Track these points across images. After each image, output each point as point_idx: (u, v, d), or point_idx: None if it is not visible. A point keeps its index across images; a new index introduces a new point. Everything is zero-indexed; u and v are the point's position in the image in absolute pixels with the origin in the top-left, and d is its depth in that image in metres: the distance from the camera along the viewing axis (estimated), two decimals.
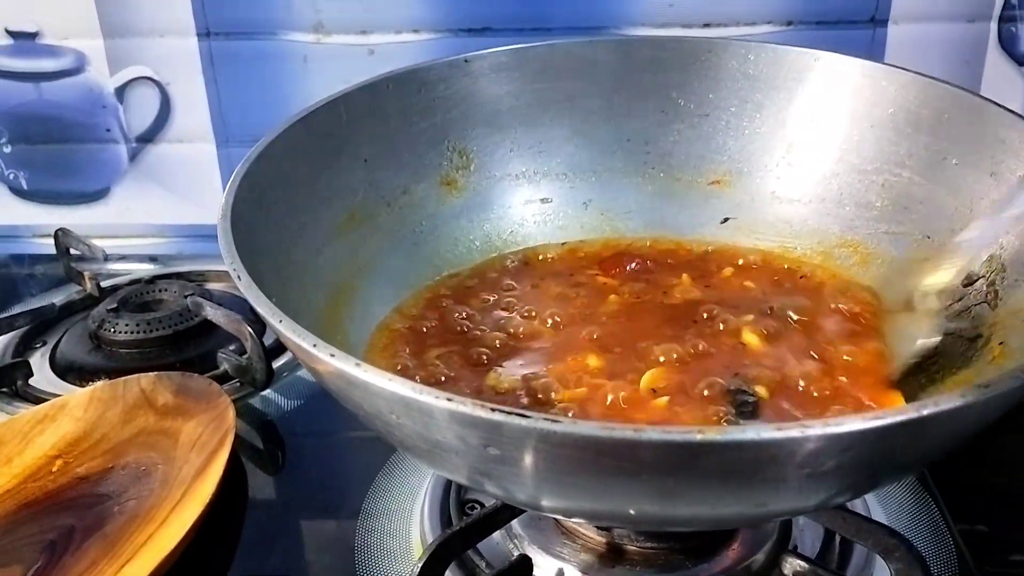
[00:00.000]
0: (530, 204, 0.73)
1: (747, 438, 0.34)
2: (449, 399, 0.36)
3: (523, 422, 0.35)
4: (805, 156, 0.69)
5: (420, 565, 0.49)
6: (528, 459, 0.38)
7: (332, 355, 0.40)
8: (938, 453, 0.43)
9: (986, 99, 0.59)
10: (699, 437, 0.34)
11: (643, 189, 0.73)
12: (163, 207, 1.07)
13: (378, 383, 0.38)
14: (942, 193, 0.61)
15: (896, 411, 0.35)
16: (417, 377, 0.56)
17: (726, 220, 0.71)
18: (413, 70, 0.68)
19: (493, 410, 0.35)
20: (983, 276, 0.56)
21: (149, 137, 1.04)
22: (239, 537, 0.63)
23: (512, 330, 0.61)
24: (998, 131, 0.58)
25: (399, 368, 0.57)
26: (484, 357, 0.58)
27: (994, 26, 0.89)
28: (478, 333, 0.61)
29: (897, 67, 0.64)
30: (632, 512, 0.41)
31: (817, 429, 0.34)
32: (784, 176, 0.70)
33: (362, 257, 0.64)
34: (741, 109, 0.71)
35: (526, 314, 0.63)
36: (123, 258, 1.00)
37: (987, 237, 0.55)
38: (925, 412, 0.35)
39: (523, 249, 0.71)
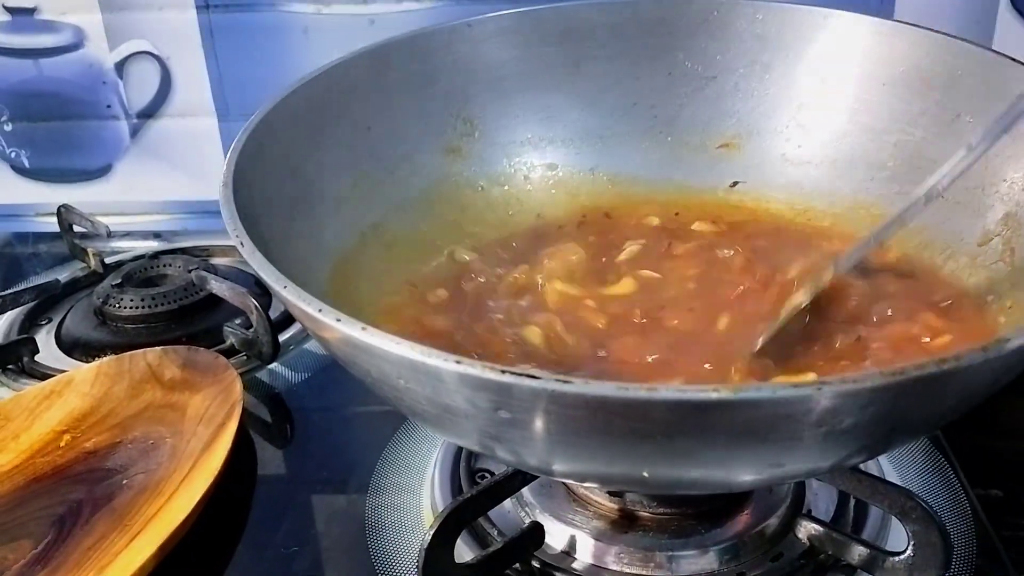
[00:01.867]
0: (536, 170, 0.72)
1: (763, 396, 0.33)
2: (458, 361, 0.35)
3: (534, 383, 0.34)
4: (816, 117, 0.68)
5: (431, 533, 0.49)
6: (539, 422, 0.37)
7: (338, 319, 0.39)
8: (955, 411, 0.42)
9: (1000, 54, 0.58)
10: (714, 395, 0.33)
11: (650, 154, 0.72)
12: (166, 183, 1.06)
13: (385, 346, 0.38)
14: (955, 151, 0.60)
15: (915, 366, 0.34)
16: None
17: (735, 184, 0.70)
18: (414, 36, 0.67)
19: (503, 371, 0.35)
20: (999, 234, 0.55)
21: (150, 112, 1.03)
22: (248, 510, 0.63)
23: (525, 300, 0.60)
24: (1012, 86, 0.56)
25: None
26: (498, 323, 0.57)
27: None
28: (491, 304, 0.60)
29: (908, 24, 0.63)
30: (646, 475, 0.41)
31: (834, 386, 0.33)
32: (794, 137, 0.69)
33: (366, 227, 0.63)
34: (750, 70, 0.70)
35: (539, 282, 0.62)
36: (127, 235, 0.99)
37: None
38: (945, 367, 0.35)
39: (530, 216, 0.70)
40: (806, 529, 0.54)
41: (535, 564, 0.54)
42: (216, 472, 0.59)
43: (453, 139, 0.69)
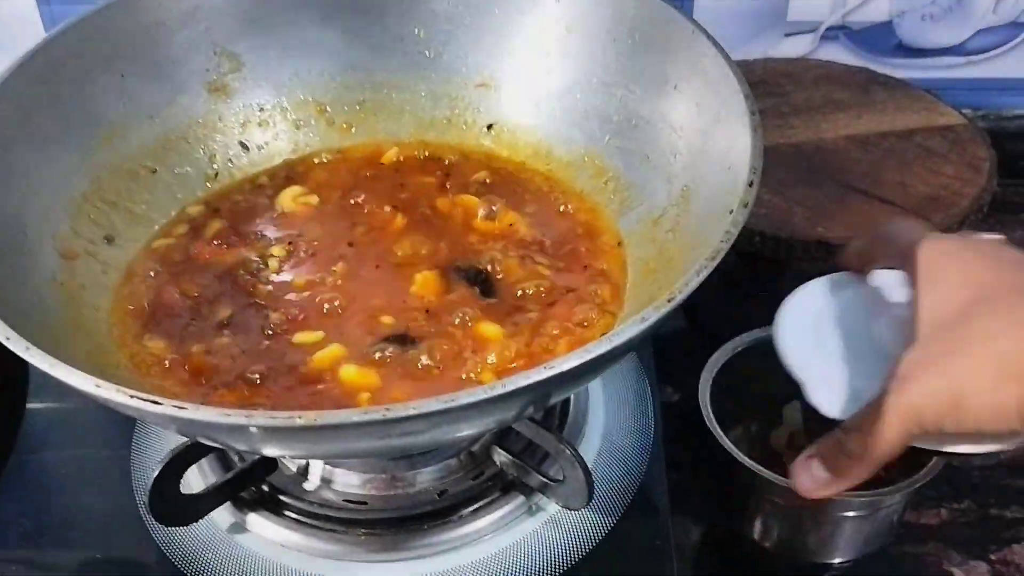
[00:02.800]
0: (305, 105, 0.75)
1: (337, 421, 0.41)
2: (98, 385, 0.42)
3: (154, 408, 0.41)
4: (560, 63, 0.72)
5: (159, 469, 0.57)
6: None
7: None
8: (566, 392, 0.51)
9: (699, 27, 0.62)
10: (299, 422, 0.40)
11: (416, 89, 0.76)
12: None
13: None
14: (662, 115, 0.65)
15: (486, 389, 0.42)
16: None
17: (491, 127, 0.75)
18: None
19: (131, 396, 0.41)
20: (676, 204, 0.62)
21: None
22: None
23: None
24: (705, 64, 0.62)
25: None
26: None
27: None
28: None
29: None
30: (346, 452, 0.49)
31: (397, 411, 0.41)
32: (542, 81, 0.73)
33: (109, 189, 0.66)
34: (504, 12, 0.73)
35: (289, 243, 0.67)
36: None
37: None
38: (541, 376, 0.42)
39: (297, 156, 0.75)
40: (500, 455, 0.63)
41: (265, 488, 0.62)
42: None
43: (218, 77, 0.72)
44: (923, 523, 0.70)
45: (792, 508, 0.61)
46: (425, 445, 0.58)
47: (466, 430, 0.47)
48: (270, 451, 0.54)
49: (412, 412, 0.40)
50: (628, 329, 0.44)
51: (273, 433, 0.42)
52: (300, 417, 0.40)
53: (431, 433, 0.44)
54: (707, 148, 0.60)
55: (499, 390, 0.41)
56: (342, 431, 0.42)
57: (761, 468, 0.59)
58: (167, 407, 0.41)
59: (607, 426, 0.68)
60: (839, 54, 1.01)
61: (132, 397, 0.41)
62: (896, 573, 0.67)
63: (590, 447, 0.66)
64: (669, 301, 0.45)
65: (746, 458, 0.60)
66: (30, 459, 0.68)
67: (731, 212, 0.50)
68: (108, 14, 0.66)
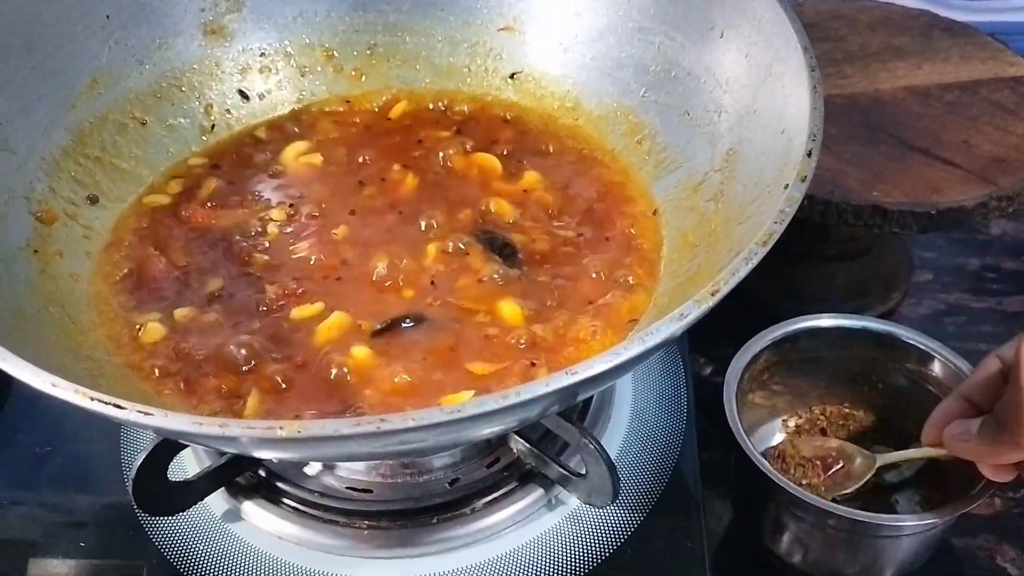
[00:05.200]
0: (310, 50, 0.69)
1: (324, 433, 0.35)
2: (76, 391, 0.37)
3: (117, 413, 0.36)
4: (592, 4, 0.65)
5: (142, 458, 0.52)
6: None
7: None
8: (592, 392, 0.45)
9: None
10: (281, 433, 0.35)
11: (433, 33, 0.69)
12: None
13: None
14: (705, 66, 0.58)
15: (497, 396, 0.36)
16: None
17: (514, 75, 0.68)
18: None
19: (92, 399, 0.36)
20: (720, 170, 0.55)
21: None
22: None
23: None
24: (756, 8, 0.54)
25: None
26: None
27: None
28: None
29: None
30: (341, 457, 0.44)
31: (393, 423, 0.35)
32: (571, 24, 0.66)
33: (94, 141, 0.61)
34: None
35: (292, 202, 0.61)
36: None
37: None
38: (562, 384, 0.36)
39: (302, 107, 0.68)
40: (517, 443, 0.58)
41: (261, 473, 0.58)
42: None
43: (215, 17, 0.66)
44: (974, 513, 0.64)
45: (824, 529, 0.56)
46: (432, 450, 0.53)
47: (478, 435, 0.42)
48: (256, 454, 0.49)
49: (411, 424, 0.35)
50: (664, 327, 0.38)
51: (254, 443, 0.37)
52: (282, 428, 0.35)
53: (436, 440, 0.39)
54: (757, 107, 0.53)
55: (512, 399, 0.36)
56: (332, 441, 0.36)
57: (798, 489, 0.55)
58: (131, 412, 0.36)
59: (635, 405, 0.62)
60: None
61: (93, 400, 0.36)
62: (944, 571, 0.62)
63: (617, 429, 0.61)
64: (713, 294, 0.39)
65: (780, 476, 0.55)
66: (14, 446, 0.63)
67: (786, 187, 0.43)
68: None
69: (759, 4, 0.54)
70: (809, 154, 0.44)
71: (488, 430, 0.40)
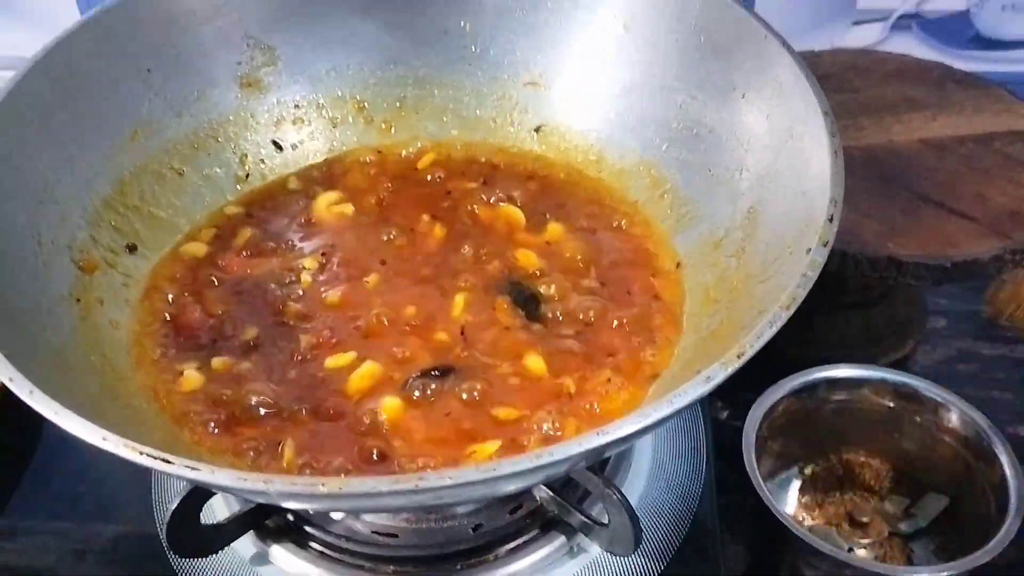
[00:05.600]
0: (342, 102, 0.71)
1: (364, 490, 0.37)
2: (104, 439, 0.38)
3: (166, 467, 0.37)
4: (616, 63, 0.67)
5: (177, 502, 0.53)
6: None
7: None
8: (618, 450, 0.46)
9: (772, 32, 0.57)
10: (322, 490, 0.36)
11: (461, 87, 0.71)
12: (22, 39, 1.03)
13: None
14: (726, 125, 0.60)
15: (527, 457, 0.37)
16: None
17: (539, 128, 0.70)
18: None
19: (141, 453, 0.38)
20: (741, 227, 0.57)
21: None
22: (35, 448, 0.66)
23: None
24: (778, 72, 0.56)
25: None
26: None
27: None
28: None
29: None
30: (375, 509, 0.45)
31: (430, 481, 0.37)
32: (595, 81, 0.68)
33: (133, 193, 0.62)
34: (557, 5, 0.68)
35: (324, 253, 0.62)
36: None
37: None
38: (593, 444, 0.38)
39: (333, 157, 0.70)
40: (540, 492, 0.59)
41: (289, 517, 0.59)
42: None
43: (251, 71, 0.68)
44: (991, 562, 0.64)
45: None
46: (463, 503, 0.54)
47: (509, 490, 0.43)
48: (293, 506, 0.50)
49: (448, 482, 0.36)
50: (691, 390, 0.39)
51: (296, 498, 0.38)
52: (324, 484, 0.36)
53: (469, 495, 0.40)
54: (778, 167, 0.55)
55: (546, 459, 0.37)
56: (371, 497, 0.38)
57: (815, 539, 0.56)
58: (178, 466, 0.37)
59: (656, 453, 0.63)
60: (910, 45, 0.95)
61: (142, 455, 0.38)
62: None
63: (638, 477, 0.62)
64: (739, 357, 0.40)
65: (796, 526, 0.56)
66: (46, 480, 0.64)
67: (808, 251, 0.45)
68: (133, 4, 0.62)
69: (780, 69, 0.55)
70: (831, 219, 0.46)
71: (519, 485, 0.42)
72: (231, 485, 0.37)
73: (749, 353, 0.40)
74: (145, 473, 0.63)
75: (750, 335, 0.41)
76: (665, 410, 0.39)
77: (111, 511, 0.63)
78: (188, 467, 0.37)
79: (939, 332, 0.86)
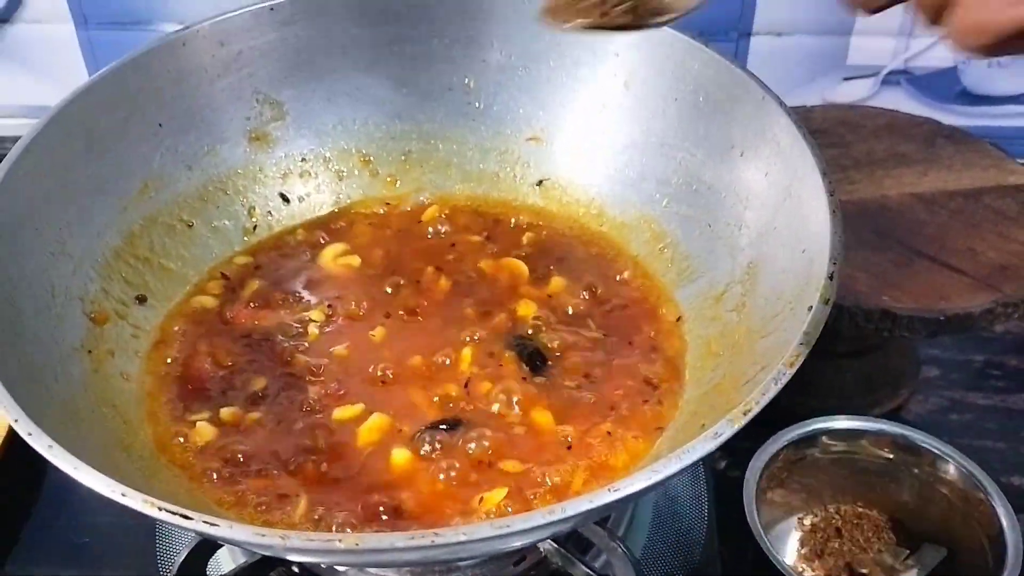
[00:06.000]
0: (348, 156, 0.72)
1: (380, 546, 0.37)
2: (123, 494, 0.39)
3: (185, 523, 0.38)
4: (616, 119, 0.68)
5: (186, 553, 0.54)
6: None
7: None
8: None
9: (769, 93, 0.59)
10: (339, 545, 0.37)
11: (465, 141, 0.73)
12: (28, 88, 1.05)
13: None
14: (725, 182, 0.62)
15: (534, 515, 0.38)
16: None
17: (541, 182, 0.71)
18: (211, 24, 0.66)
19: (160, 509, 0.38)
20: (741, 282, 0.58)
21: (4, 18, 1.00)
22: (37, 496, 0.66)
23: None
24: (776, 132, 0.58)
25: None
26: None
27: (852, 40, 0.90)
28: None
29: (699, 44, 0.63)
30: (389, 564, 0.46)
31: (446, 537, 0.37)
32: (595, 137, 0.70)
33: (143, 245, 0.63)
34: (559, 63, 0.69)
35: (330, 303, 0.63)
36: None
37: None
38: (604, 500, 0.38)
39: (339, 209, 0.71)
40: (544, 544, 0.59)
41: (295, 569, 0.59)
42: None
43: (259, 126, 0.69)
44: None
45: None
46: (475, 557, 0.55)
47: (521, 544, 0.44)
48: (306, 560, 0.50)
49: (463, 538, 0.37)
50: (700, 446, 0.40)
51: (312, 553, 0.39)
52: (340, 540, 0.37)
53: (482, 550, 0.41)
54: (776, 224, 0.56)
55: (558, 515, 0.38)
56: (387, 553, 0.38)
57: None
58: (197, 522, 0.38)
59: (658, 504, 0.64)
60: (900, 100, 0.97)
61: (161, 510, 0.38)
62: None
63: (641, 528, 0.63)
64: (745, 414, 0.41)
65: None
66: (49, 529, 0.64)
67: (810, 308, 0.46)
68: (146, 60, 0.63)
69: (778, 129, 0.57)
70: (831, 277, 0.47)
71: (530, 540, 0.42)
72: (250, 541, 0.37)
73: (755, 410, 0.41)
74: (150, 522, 0.63)
75: (755, 392, 0.42)
76: (674, 466, 0.39)
77: (115, 560, 0.63)
78: (207, 523, 0.38)
79: (932, 382, 0.87)
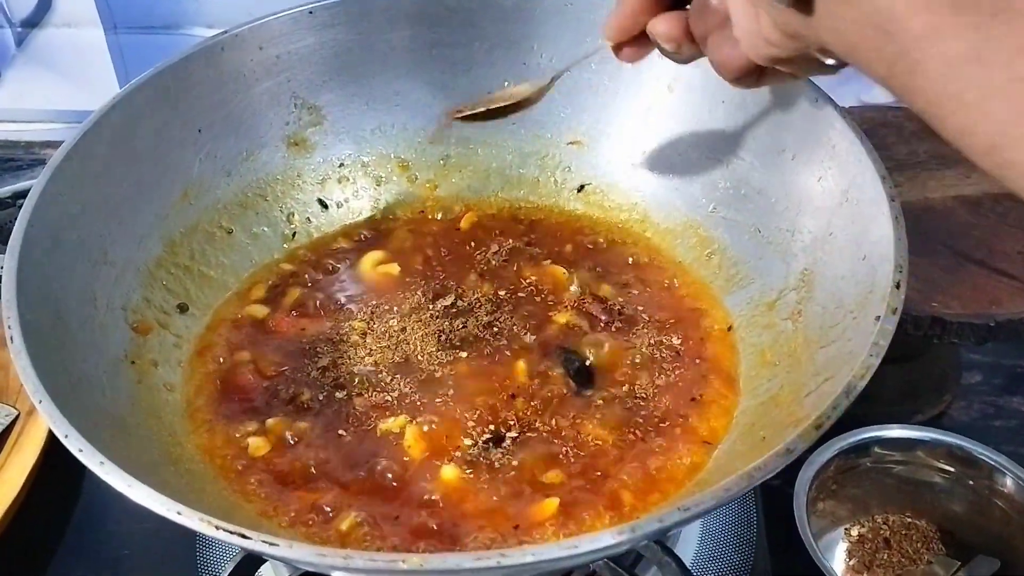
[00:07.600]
0: (386, 161, 0.71)
1: (445, 567, 0.36)
2: (179, 512, 0.38)
3: (243, 542, 0.37)
4: (660, 123, 0.67)
5: (231, 568, 0.53)
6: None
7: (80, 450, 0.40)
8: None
9: (822, 94, 0.57)
10: (403, 566, 0.36)
11: (504, 146, 0.72)
12: (55, 92, 1.05)
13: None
14: (776, 186, 0.60)
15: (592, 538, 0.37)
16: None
17: (582, 187, 0.70)
18: (250, 28, 0.65)
19: (217, 528, 0.37)
20: (795, 289, 0.57)
21: (34, 21, 1.00)
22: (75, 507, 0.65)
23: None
24: (831, 135, 0.56)
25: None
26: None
27: None
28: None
29: None
30: None
31: (513, 557, 0.36)
32: (640, 141, 0.68)
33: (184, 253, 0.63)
34: (601, 67, 0.68)
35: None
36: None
37: None
38: (675, 519, 0.37)
39: (377, 215, 0.70)
40: None
41: None
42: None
43: (297, 131, 0.68)
44: None
45: None
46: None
47: (585, 562, 0.42)
48: None
49: (530, 559, 0.36)
50: (772, 462, 0.39)
51: (374, 573, 0.38)
52: (404, 561, 0.36)
53: (546, 569, 0.40)
54: (832, 230, 0.55)
55: (627, 535, 0.37)
56: (451, 574, 0.37)
57: None
58: (256, 541, 0.37)
59: (706, 517, 0.63)
60: None
61: (218, 529, 0.37)
62: None
63: (690, 542, 0.61)
64: (817, 428, 0.40)
65: None
66: (87, 542, 0.64)
67: (878, 319, 0.45)
68: (185, 66, 0.62)
69: (834, 132, 0.56)
70: (898, 286, 0.46)
71: (597, 559, 0.41)
72: (311, 560, 0.36)
73: (827, 424, 0.40)
74: (190, 532, 0.62)
75: (826, 405, 0.41)
76: (744, 483, 0.38)
77: (154, 570, 0.62)
78: (266, 542, 0.37)
79: (974, 388, 0.86)
